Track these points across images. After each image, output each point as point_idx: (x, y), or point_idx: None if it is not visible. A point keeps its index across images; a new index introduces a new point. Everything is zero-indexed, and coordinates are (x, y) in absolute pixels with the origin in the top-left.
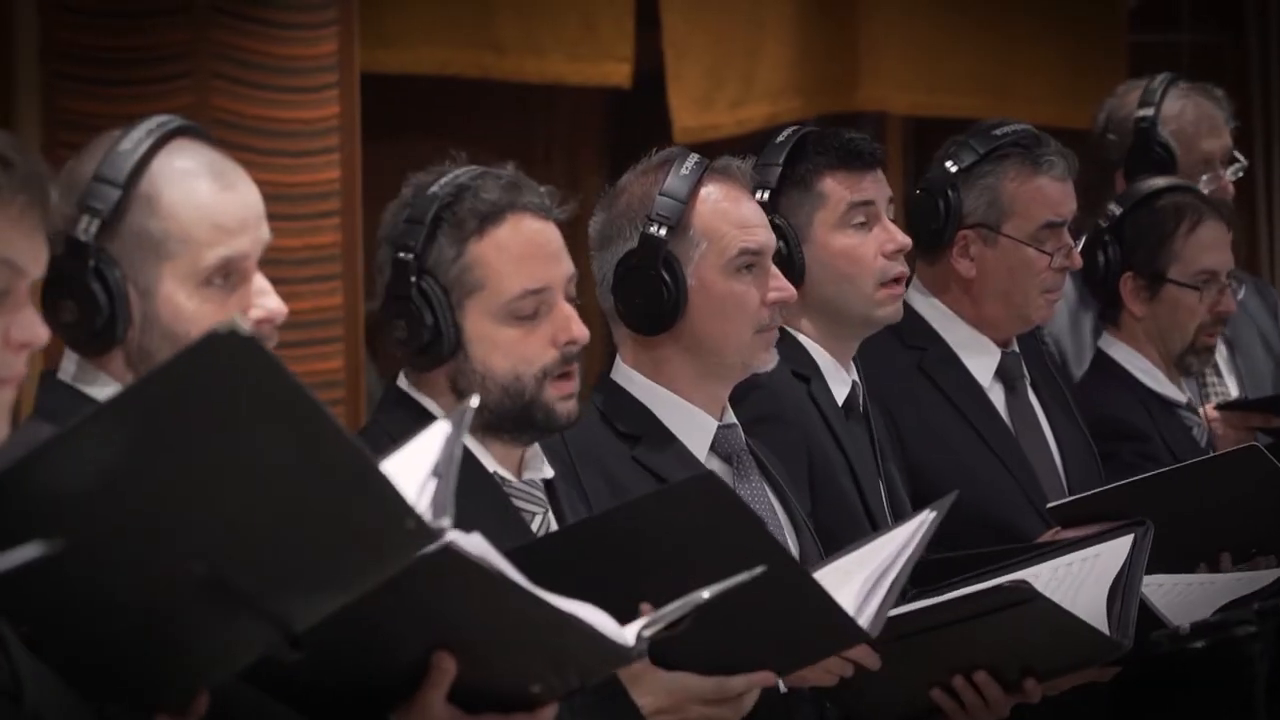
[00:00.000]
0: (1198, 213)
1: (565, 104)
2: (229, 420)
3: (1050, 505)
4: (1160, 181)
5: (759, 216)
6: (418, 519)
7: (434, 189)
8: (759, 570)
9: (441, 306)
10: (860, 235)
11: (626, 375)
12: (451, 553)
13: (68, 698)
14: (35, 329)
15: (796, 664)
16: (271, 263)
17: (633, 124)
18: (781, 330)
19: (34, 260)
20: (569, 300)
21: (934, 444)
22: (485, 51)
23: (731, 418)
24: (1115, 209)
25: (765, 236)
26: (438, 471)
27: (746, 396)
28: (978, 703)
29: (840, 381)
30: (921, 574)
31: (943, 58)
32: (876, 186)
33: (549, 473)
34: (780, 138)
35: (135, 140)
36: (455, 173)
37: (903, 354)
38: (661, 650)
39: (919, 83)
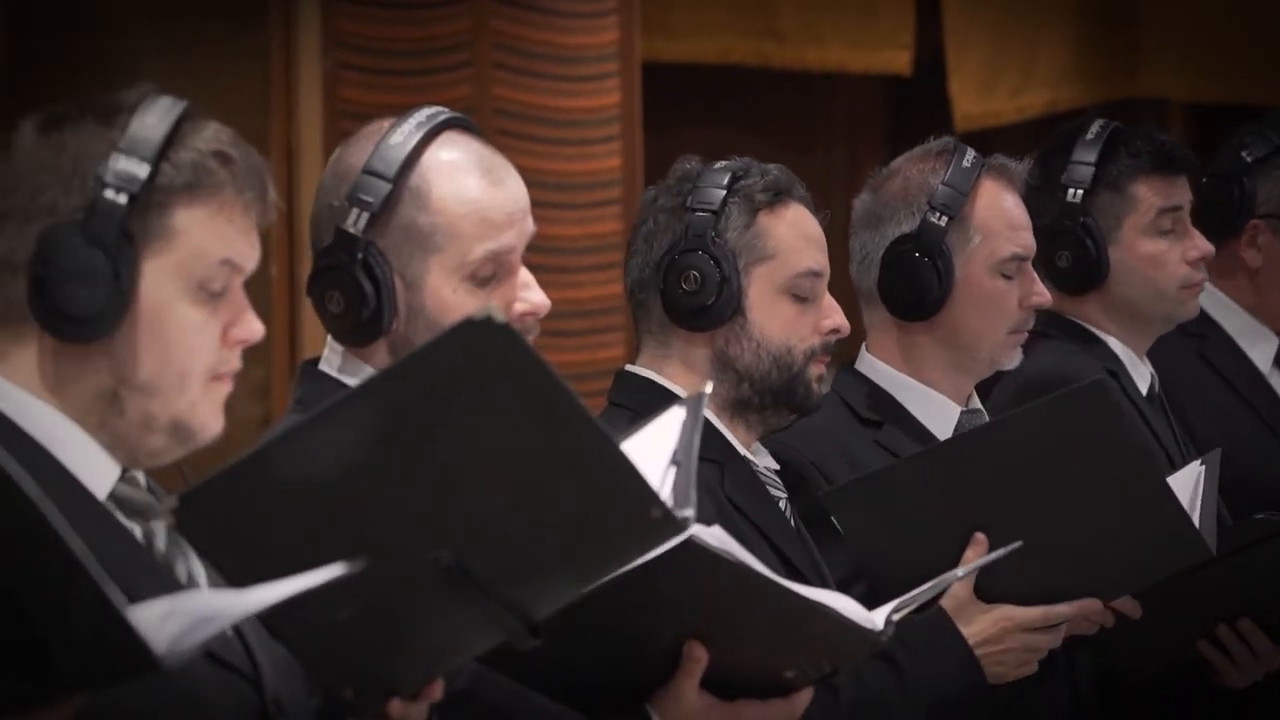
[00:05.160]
0: None
1: (845, 92)
2: (480, 407)
3: None
4: None
5: (1027, 219)
6: (664, 509)
7: (718, 166)
8: (1015, 545)
9: (731, 266)
10: (1167, 241)
11: (870, 364)
12: (694, 546)
13: (299, 684)
14: (253, 326)
15: (1127, 586)
16: (553, 251)
17: (912, 111)
18: (1083, 330)
19: (251, 258)
20: None
21: (1220, 430)
22: (766, 40)
23: (976, 404)
24: None
25: (1031, 241)
26: (676, 460)
27: None
28: (1245, 654)
29: (1141, 374)
30: None
31: (1225, 43)
32: (1184, 193)
33: (774, 464)
34: (1089, 135)
35: (405, 133)
36: (725, 159)
37: (1180, 341)
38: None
39: (1200, 69)
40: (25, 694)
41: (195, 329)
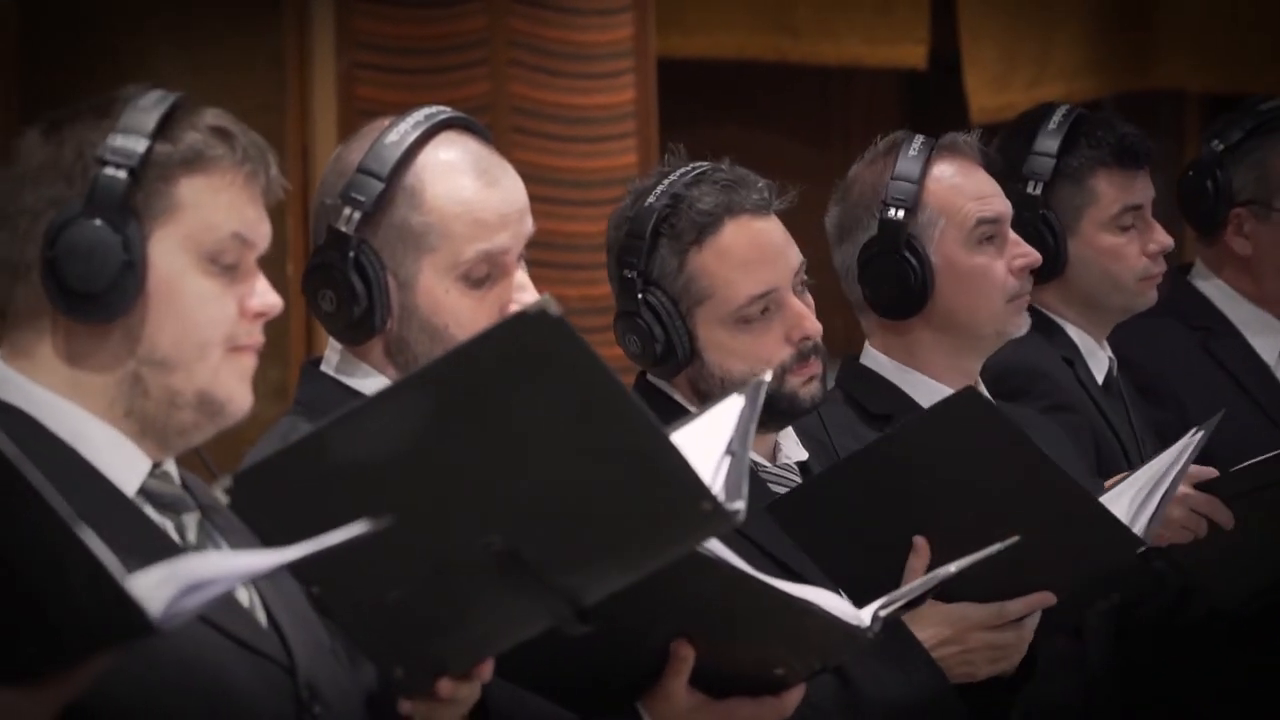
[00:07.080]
0: None
1: (861, 87)
2: (533, 397)
3: None
4: None
5: (992, 186)
6: (715, 502)
7: (650, 200)
8: (1013, 540)
9: (671, 318)
10: (1127, 236)
11: (874, 358)
12: None
13: (337, 670)
14: (269, 297)
15: (1072, 582)
16: (570, 248)
17: (928, 106)
18: (1043, 316)
19: (261, 233)
20: (800, 290)
21: (1225, 426)
22: (781, 35)
23: (983, 390)
24: None
25: (1001, 205)
26: (731, 449)
27: (1035, 386)
28: None
29: (1098, 360)
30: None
31: (1242, 34)
32: (1145, 188)
33: (802, 454)
34: (1052, 124)
35: (401, 132)
36: (671, 179)
37: (1186, 336)
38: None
39: (1217, 61)
40: (32, 661)
41: (210, 299)
